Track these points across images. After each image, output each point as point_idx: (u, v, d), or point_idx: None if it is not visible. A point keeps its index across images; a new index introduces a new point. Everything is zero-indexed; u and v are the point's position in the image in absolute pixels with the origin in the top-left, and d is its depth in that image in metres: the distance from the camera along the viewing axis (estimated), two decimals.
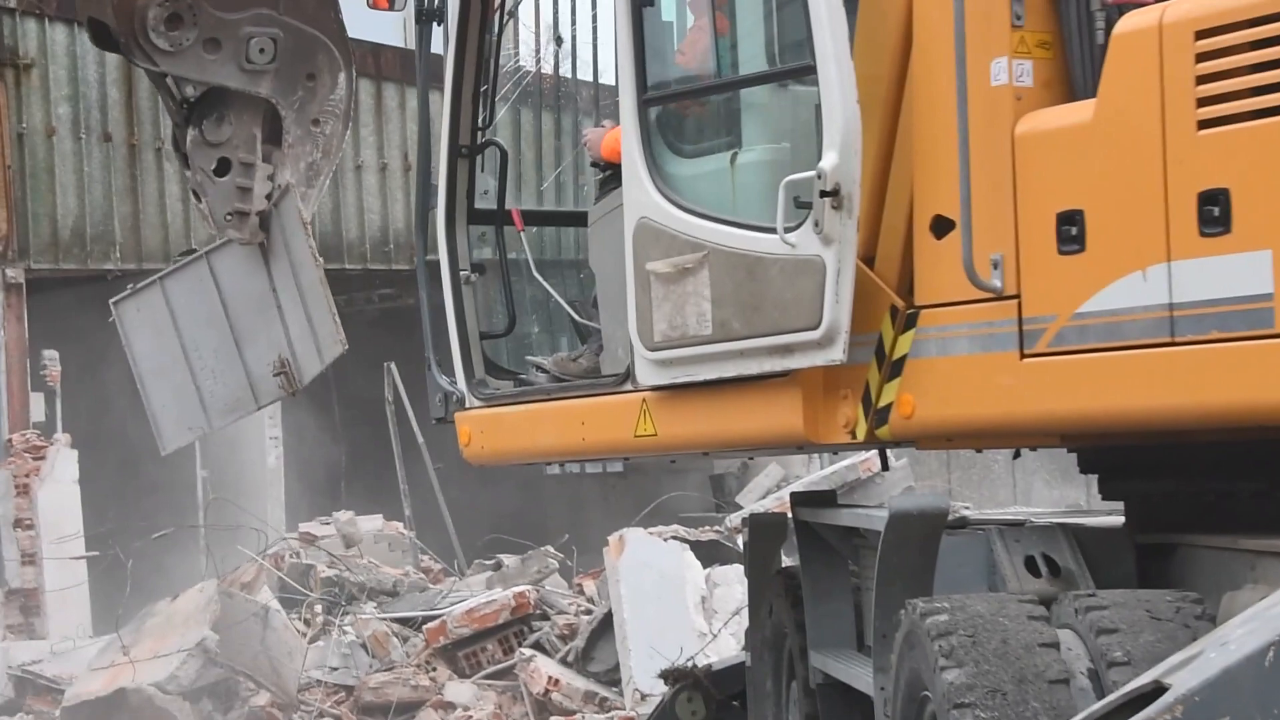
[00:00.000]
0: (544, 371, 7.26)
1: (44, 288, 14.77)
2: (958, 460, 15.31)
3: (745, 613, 7.94)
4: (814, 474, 14.04)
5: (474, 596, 11.83)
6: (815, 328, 5.70)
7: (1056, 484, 14.72)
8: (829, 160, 5.61)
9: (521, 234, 7.63)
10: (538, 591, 11.58)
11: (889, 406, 5.78)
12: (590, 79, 14.67)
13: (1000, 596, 5.49)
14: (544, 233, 8.20)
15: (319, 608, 12.24)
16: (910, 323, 5.73)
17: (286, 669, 11.42)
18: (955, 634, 5.14)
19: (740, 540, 9.68)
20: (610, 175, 7.03)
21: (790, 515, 7.27)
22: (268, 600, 11.91)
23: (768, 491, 14.47)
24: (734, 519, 12.74)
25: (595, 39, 9.20)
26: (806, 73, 5.80)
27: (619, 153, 6.79)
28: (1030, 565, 5.75)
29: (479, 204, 7.47)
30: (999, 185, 5.51)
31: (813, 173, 5.63)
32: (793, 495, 7.33)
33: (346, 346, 7.94)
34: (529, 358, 7.46)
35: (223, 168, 7.70)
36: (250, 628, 11.52)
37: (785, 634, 7.22)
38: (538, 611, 11.33)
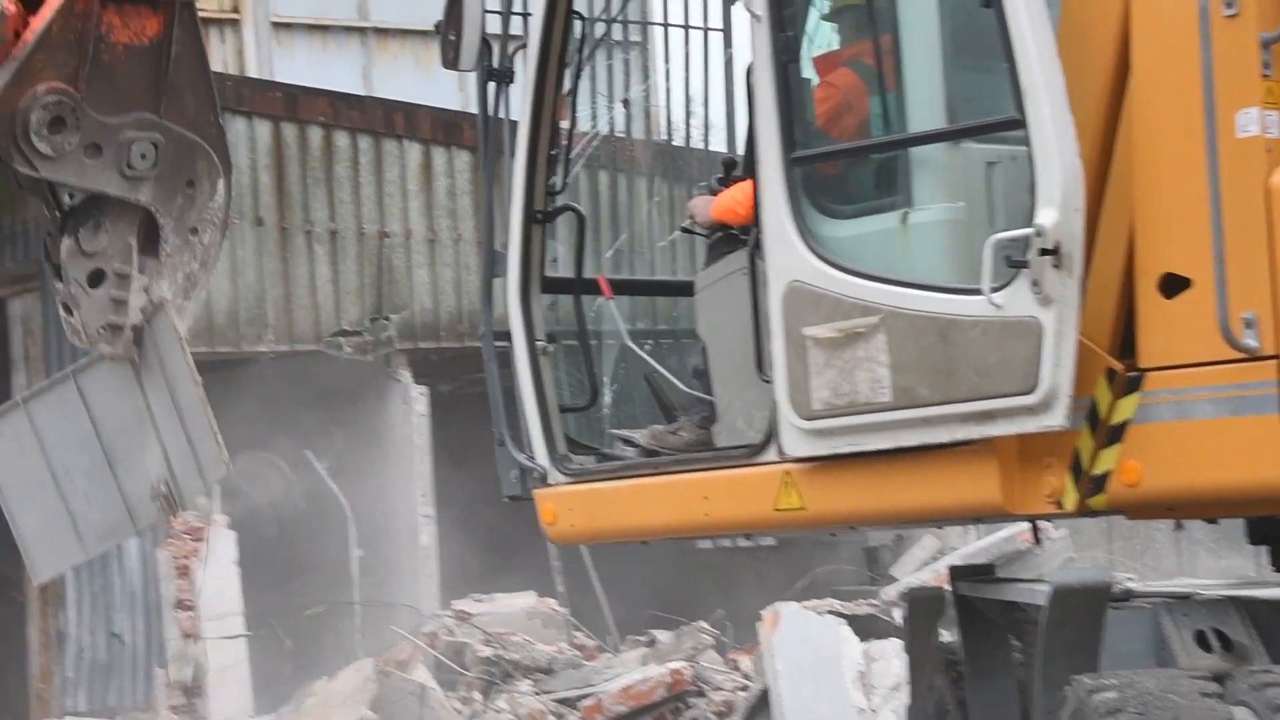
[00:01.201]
0: (633, 445, 7.13)
1: (200, 371, 14.94)
2: (1119, 530, 15.08)
3: (905, 689, 7.81)
4: (970, 546, 13.88)
5: (629, 673, 11.80)
6: (1028, 393, 5.52)
7: (1223, 554, 14.44)
8: (1048, 217, 5.46)
9: (611, 303, 7.53)
10: (693, 668, 11.53)
11: (1106, 475, 5.61)
12: (657, 140, 14.75)
13: (1171, 673, 5.37)
14: (595, 301, 7.99)
15: (475, 686, 12.26)
16: (1133, 386, 5.57)
17: None
18: (1124, 712, 5.05)
19: (897, 614, 9.58)
20: (720, 240, 6.96)
21: (949, 589, 7.15)
22: (424, 679, 11.96)
23: (923, 564, 14.32)
24: (890, 592, 12.61)
25: (670, 99, 9.12)
26: (1012, 126, 5.66)
27: (734, 216, 6.71)
28: (1201, 640, 5.62)
29: (547, 272, 7.33)
30: (1251, 241, 5.35)
31: (1028, 230, 5.49)
32: (951, 569, 7.21)
33: (230, 466, 7.64)
34: (614, 431, 7.33)
35: (96, 279, 7.39)
36: (408, 707, 11.58)
37: (947, 711, 7.10)
38: (693, 688, 11.28)
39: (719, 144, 13.36)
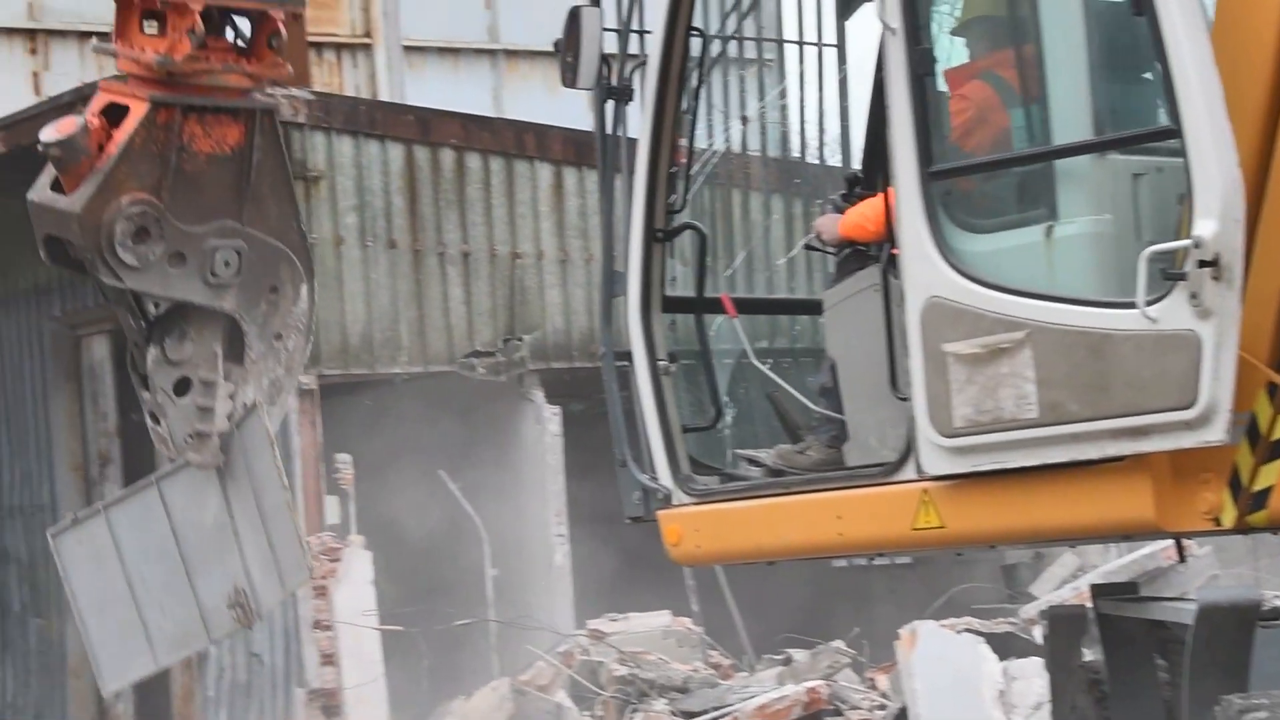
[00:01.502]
0: (758, 465, 7.06)
1: (335, 393, 15.11)
2: (1265, 546, 14.82)
3: (1046, 708, 7.71)
4: (1111, 563, 13.70)
5: (765, 692, 11.75)
6: (1186, 407, 5.44)
7: None
8: (1207, 228, 5.38)
9: (735, 322, 7.47)
10: (830, 686, 11.47)
11: (1267, 491, 5.52)
12: (776, 157, 14.65)
13: None
14: (715, 320, 7.90)
15: (610, 705, 12.26)
16: None
17: None
18: None
19: (1037, 633, 9.46)
20: (849, 257, 6.90)
21: (1090, 607, 7.05)
22: (560, 698, 11.98)
23: (1063, 582, 14.15)
24: (1029, 610, 12.47)
25: (786, 116, 9.04)
26: (1167, 136, 5.58)
27: (863, 232, 6.64)
28: None
29: (666, 291, 7.27)
30: None
31: (1185, 242, 5.41)
32: (1093, 587, 7.11)
33: (312, 574, 7.55)
34: (738, 451, 7.28)
35: (182, 387, 7.38)
36: None
37: None
38: (830, 707, 11.22)
39: (835, 160, 13.33)
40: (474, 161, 15.33)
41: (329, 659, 14.12)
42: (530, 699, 11.80)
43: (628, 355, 7.26)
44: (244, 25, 7.26)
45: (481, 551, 14.86)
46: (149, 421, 7.46)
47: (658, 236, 7.20)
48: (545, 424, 15.15)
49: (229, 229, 7.24)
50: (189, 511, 7.86)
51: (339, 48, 19.69)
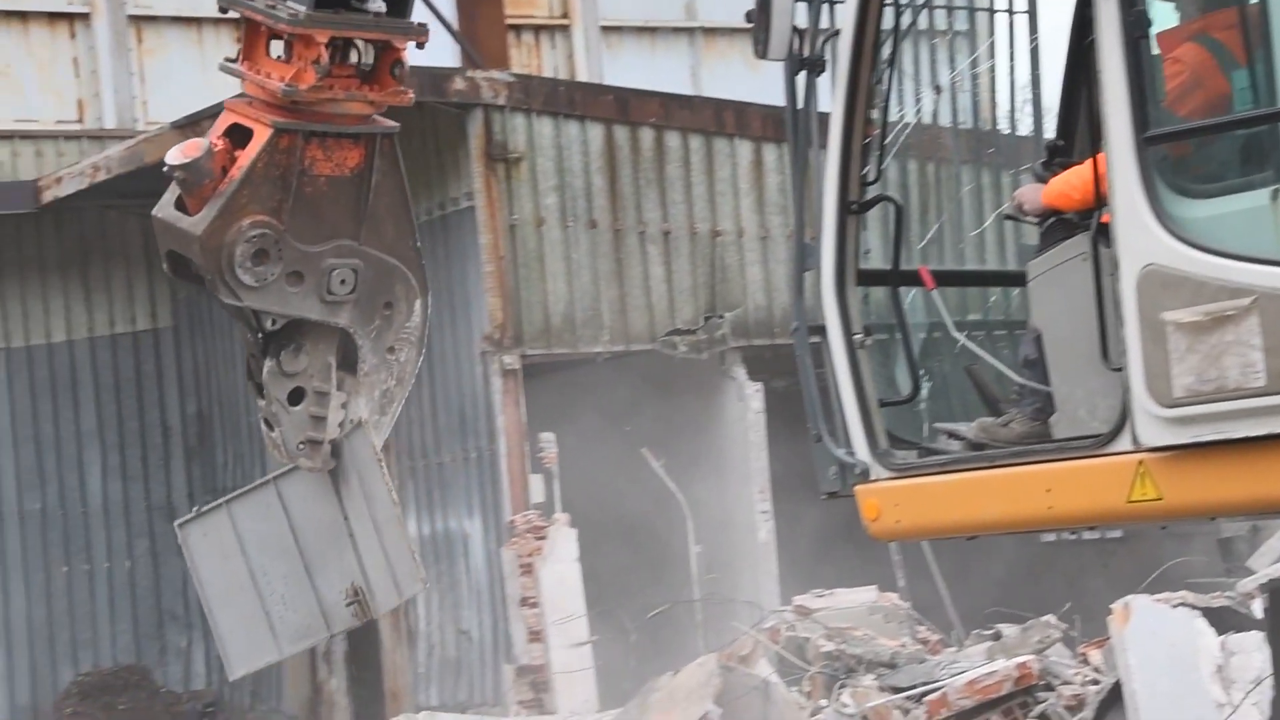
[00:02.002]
0: (959, 439, 6.98)
1: (538, 372, 15.25)
2: None
3: (1268, 683, 7.57)
4: None
5: (975, 667, 11.65)
6: None
7: None
8: None
9: (935, 295, 7.38)
10: (1041, 662, 11.34)
11: None
12: (967, 127, 14.43)
13: None
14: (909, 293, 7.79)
15: (817, 680, 12.24)
16: None
17: None
18: None
19: (1256, 607, 9.29)
20: (1053, 226, 6.79)
21: None
22: (767, 674, 11.98)
23: None
24: (1247, 584, 12.24)
25: (977, 85, 8.92)
26: None
27: (1068, 201, 6.53)
28: None
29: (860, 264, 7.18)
30: None
31: None
32: None
33: (426, 584, 7.73)
34: (938, 425, 7.19)
35: (296, 397, 7.48)
36: (751, 702, 11.60)
37: None
38: (1042, 683, 11.09)
39: (1028, 129, 13.15)
40: (673, 140, 15.37)
41: (536, 636, 14.27)
42: (737, 675, 11.80)
43: (821, 329, 7.23)
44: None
45: (685, 529, 14.92)
46: (264, 427, 7.63)
47: (852, 209, 7.14)
48: (747, 401, 15.17)
49: (346, 248, 7.33)
50: (306, 510, 8.05)
51: (537, 29, 19.84)
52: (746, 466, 15.16)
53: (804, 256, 7.33)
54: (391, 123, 7.31)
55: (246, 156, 7.10)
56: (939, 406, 7.57)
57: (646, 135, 15.27)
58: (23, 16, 18.56)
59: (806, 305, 7.42)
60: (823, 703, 12.15)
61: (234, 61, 7.31)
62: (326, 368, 7.47)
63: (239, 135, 7.20)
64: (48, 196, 17.18)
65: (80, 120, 18.78)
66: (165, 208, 7.21)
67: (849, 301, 7.10)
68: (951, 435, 7.05)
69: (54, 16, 18.64)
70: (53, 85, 18.68)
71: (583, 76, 19.33)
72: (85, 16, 18.65)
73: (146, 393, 18.26)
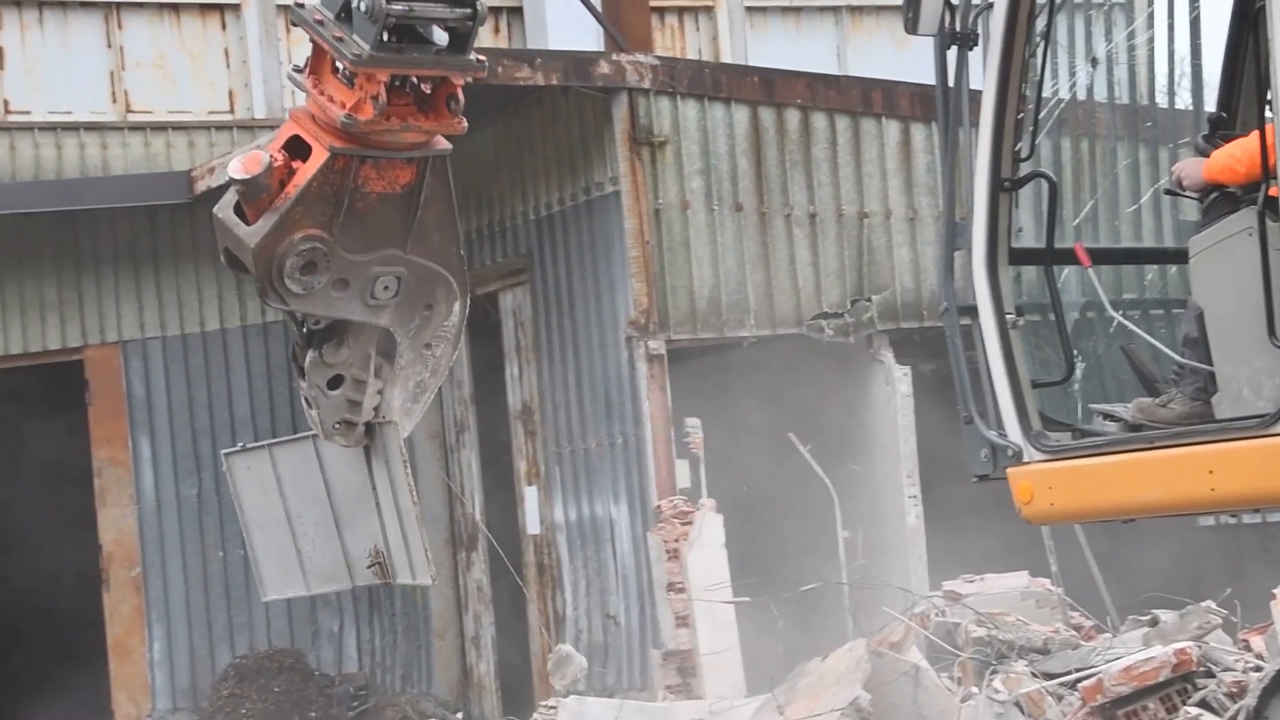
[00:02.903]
0: (1115, 420, 6.84)
1: (683, 357, 15.22)
2: None
3: None
4: None
5: (1131, 653, 11.46)
6: None
7: None
8: None
9: (1092, 273, 7.24)
10: (1200, 648, 11.13)
11: None
12: (1124, 101, 14.15)
13: None
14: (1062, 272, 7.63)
15: (968, 666, 12.11)
16: None
17: None
18: None
19: None
20: (1217, 200, 6.64)
21: None
22: (917, 659, 11.87)
23: None
24: None
25: (1134, 58, 8.73)
26: None
27: (1232, 175, 6.38)
28: None
29: (1014, 243, 7.12)
30: None
31: None
32: None
33: (435, 580, 8.17)
34: (1093, 406, 7.05)
35: (335, 382, 7.87)
36: (901, 687, 11.49)
37: None
38: (1201, 669, 10.88)
39: (1186, 103, 12.90)
40: (820, 121, 15.26)
41: (684, 621, 14.24)
42: (886, 660, 11.69)
43: (972, 310, 7.13)
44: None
45: (832, 513, 14.82)
46: (304, 404, 8.00)
47: (1004, 186, 7.05)
48: (895, 385, 15.03)
49: (392, 257, 7.53)
50: (340, 471, 8.55)
51: (681, 11, 19.78)
52: (895, 450, 15.02)
53: (954, 236, 7.24)
54: (445, 144, 7.51)
55: (303, 176, 7.34)
56: (1093, 387, 7.49)
57: (792, 116, 15.16)
58: (175, 9, 18.82)
59: (956, 286, 7.34)
60: (974, 689, 12.02)
61: (301, 72, 7.52)
62: (365, 358, 7.78)
63: (297, 146, 7.43)
64: (201, 186, 17.41)
65: (231, 110, 19.02)
66: (225, 209, 7.47)
67: (1001, 281, 7.02)
68: (1108, 417, 6.94)
69: (205, 8, 18.89)
70: (204, 76, 18.93)
71: (727, 58, 19.24)
72: (235, 7, 18.87)
73: (297, 380, 18.41)
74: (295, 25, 7.49)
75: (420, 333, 7.80)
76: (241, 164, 7.35)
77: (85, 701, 18.58)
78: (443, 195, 7.64)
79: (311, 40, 7.40)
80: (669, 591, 14.22)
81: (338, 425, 7.96)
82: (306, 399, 7.99)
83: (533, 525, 16.03)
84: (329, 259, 7.45)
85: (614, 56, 14.89)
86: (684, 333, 14.79)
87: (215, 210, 7.50)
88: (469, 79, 7.33)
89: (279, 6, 18.71)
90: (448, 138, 7.50)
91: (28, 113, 18.59)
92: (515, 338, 16.23)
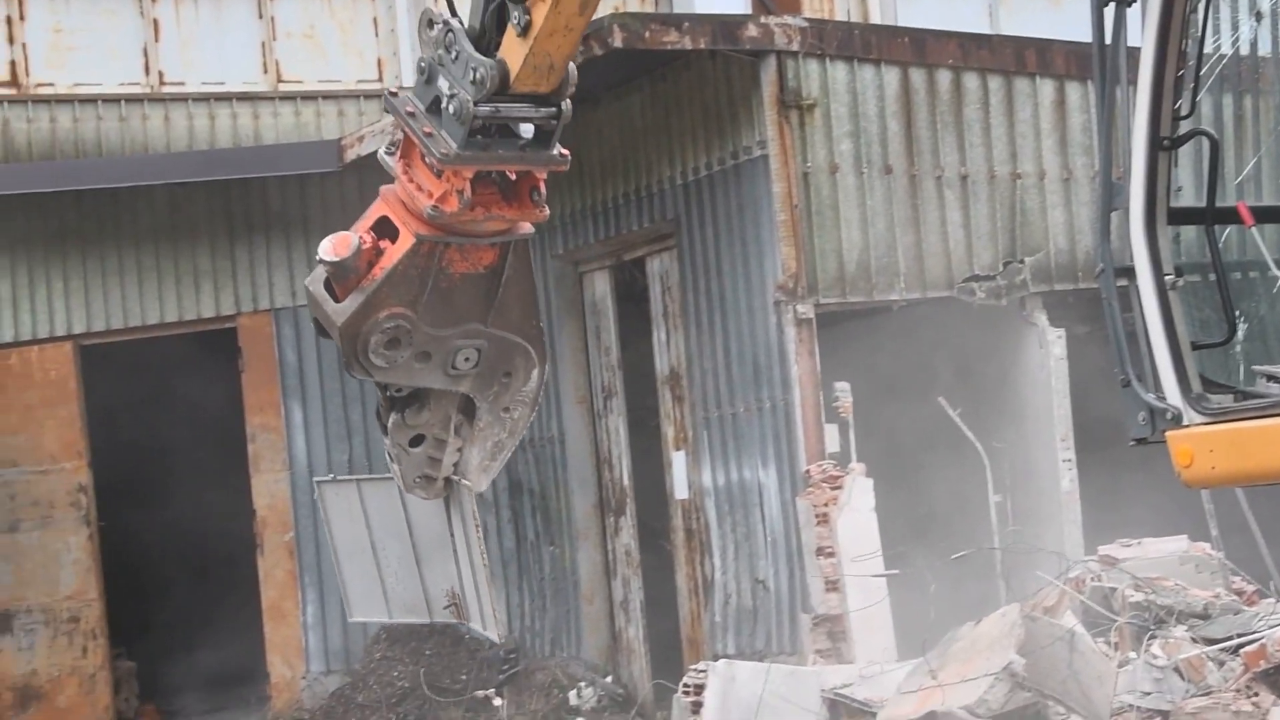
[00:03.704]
0: (1278, 381, 6.71)
1: (832, 321, 15.14)
2: None
3: None
4: None
5: None
6: None
7: None
8: None
9: (1253, 231, 7.10)
10: None
11: None
12: None
13: None
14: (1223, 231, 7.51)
15: (1125, 631, 11.96)
16: None
17: (1097, 693, 11.20)
18: None
19: None
20: None
21: None
22: (1072, 624, 11.73)
23: None
24: None
25: None
26: None
27: None
28: None
29: (1173, 203, 7.00)
30: None
31: None
32: None
33: (503, 638, 7.85)
34: (1256, 368, 6.92)
35: (417, 440, 8.17)
36: (1056, 652, 11.37)
37: None
38: None
39: None
40: (971, 81, 15.10)
41: (833, 586, 14.18)
42: (1041, 625, 11.57)
43: (1129, 271, 7.03)
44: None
45: (984, 478, 14.69)
46: (387, 458, 8.37)
47: (1163, 145, 6.93)
48: (1049, 348, 14.86)
49: (473, 331, 7.80)
50: (422, 514, 9.03)
51: None
52: (1048, 414, 14.85)
53: (1111, 196, 7.15)
54: (528, 228, 7.77)
55: (389, 259, 7.61)
56: (1255, 349, 7.36)
57: (944, 77, 15.02)
58: None
59: (1113, 247, 7.24)
60: (1131, 654, 11.88)
61: (392, 154, 7.84)
62: (446, 419, 8.13)
63: (386, 225, 7.71)
64: (350, 155, 17.57)
65: (380, 79, 19.18)
66: (316, 283, 7.81)
67: (1159, 241, 6.92)
68: (1271, 378, 6.83)
69: None
70: (354, 45, 19.10)
71: (876, 19, 19.11)
72: None
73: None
74: (387, 112, 7.85)
75: (499, 398, 8.09)
76: (331, 246, 7.64)
77: (240, 663, 18.88)
78: (524, 272, 7.91)
79: (401, 130, 7.70)
80: (818, 556, 14.17)
81: (418, 480, 8.29)
82: (388, 454, 8.31)
83: (680, 490, 16.03)
84: (412, 334, 7.72)
85: (762, 19, 14.81)
86: (833, 297, 14.70)
87: (306, 283, 7.80)
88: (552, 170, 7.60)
89: None
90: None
91: (182, 84, 18.87)
92: (663, 303, 16.22)
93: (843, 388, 14.53)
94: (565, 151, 7.71)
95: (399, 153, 7.86)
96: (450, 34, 7.59)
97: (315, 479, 10.15)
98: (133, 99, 18.79)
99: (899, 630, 13.83)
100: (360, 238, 7.61)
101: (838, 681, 12.64)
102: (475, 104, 7.32)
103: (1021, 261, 15.04)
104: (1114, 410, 7.40)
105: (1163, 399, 6.87)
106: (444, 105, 7.56)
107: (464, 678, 17.20)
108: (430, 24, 7.72)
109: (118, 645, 19.37)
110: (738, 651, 14.74)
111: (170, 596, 21.04)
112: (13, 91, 18.66)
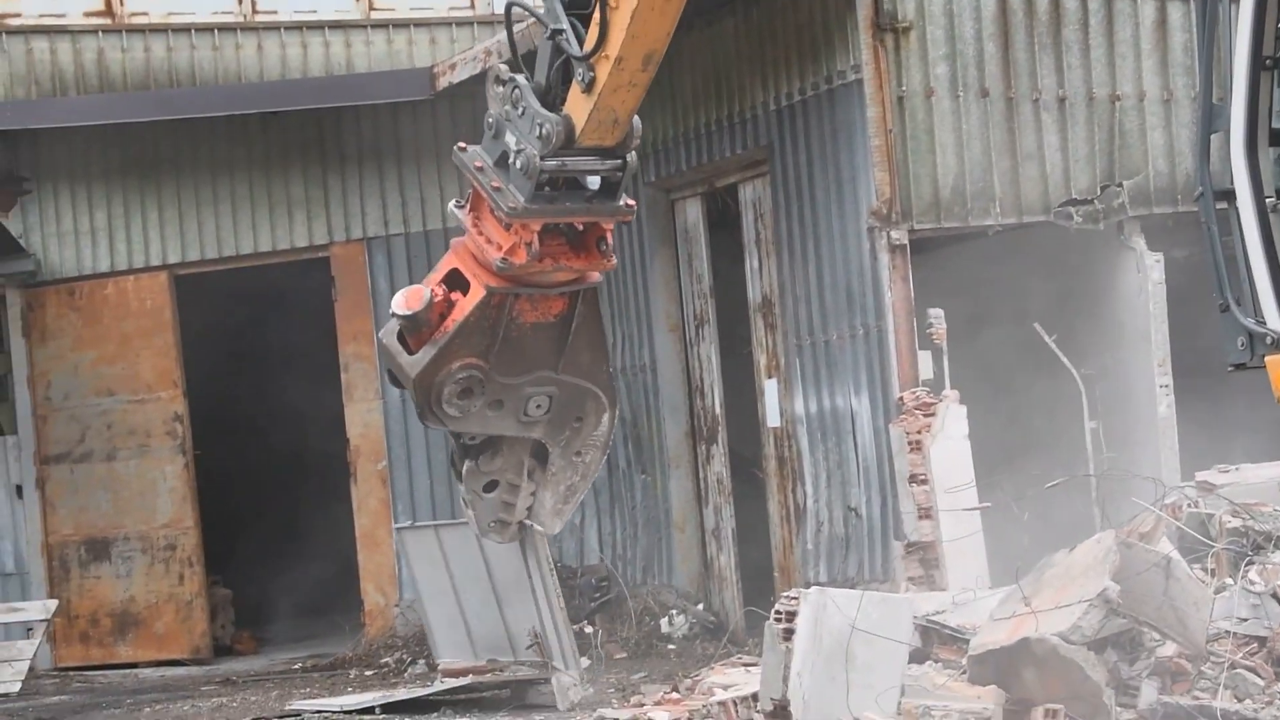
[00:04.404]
0: None
1: (926, 247, 15.00)
2: None
3: None
4: None
5: None
6: None
7: None
8: None
9: None
10: None
11: None
12: None
13: None
14: None
15: (1222, 558, 11.80)
16: None
17: (1193, 620, 11.05)
18: None
19: None
20: None
21: None
22: (1168, 551, 11.57)
23: None
24: None
25: None
26: None
27: None
28: None
29: (1275, 124, 6.85)
30: None
31: None
32: None
33: (583, 680, 9.32)
34: None
35: (491, 486, 8.38)
36: (1152, 578, 11.22)
37: None
38: None
39: None
40: (1070, 1, 14.87)
41: (926, 513, 14.09)
42: (1136, 551, 11.41)
43: (1229, 194, 6.90)
44: None
45: (1079, 405, 14.53)
46: (462, 504, 8.61)
47: (1266, 64, 6.79)
48: (1147, 272, 14.65)
49: (544, 378, 8.11)
50: (500, 555, 9.14)
51: None
52: (1146, 339, 14.66)
53: (1211, 118, 7.04)
54: (596, 277, 8.04)
55: (461, 311, 7.89)
56: None
57: None
58: None
59: (1213, 169, 7.11)
60: (1228, 580, 11.73)
61: (462, 208, 8.07)
62: (519, 464, 8.37)
63: (457, 278, 8.00)
64: (442, 83, 17.55)
65: (472, 7, 19.12)
66: (389, 335, 8.10)
67: (1260, 164, 6.82)
68: None
69: None
70: None
71: None
72: None
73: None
74: (456, 166, 7.98)
75: (571, 442, 8.32)
76: (404, 300, 7.91)
77: (334, 591, 19.02)
78: (593, 319, 8.15)
79: (470, 184, 7.92)
80: (911, 484, 14.07)
81: (493, 524, 8.51)
82: (464, 500, 8.55)
83: (773, 418, 15.97)
84: (484, 384, 7.98)
85: None
86: (927, 222, 14.56)
87: (380, 335, 8.09)
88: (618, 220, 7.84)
89: None
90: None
91: (274, 13, 18.91)
92: (755, 230, 16.12)
93: (937, 314, 14.39)
94: (631, 202, 8.00)
95: (468, 205, 8.11)
96: (517, 90, 7.87)
97: (395, 526, 10.66)
98: (226, 28, 18.85)
99: (992, 557, 13.73)
100: (431, 291, 7.88)
101: (930, 609, 12.54)
102: (542, 159, 7.69)
103: (1120, 185, 14.81)
104: (1212, 335, 7.29)
105: (1262, 323, 6.81)
106: (511, 160, 7.81)
107: None
108: (499, 81, 7.97)
109: (214, 573, 19.58)
110: (829, 579, 14.69)
111: (265, 525, 21.22)
112: (107, 21, 18.76)
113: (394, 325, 8.14)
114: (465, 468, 8.44)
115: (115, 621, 19.17)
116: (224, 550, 20.19)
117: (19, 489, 19.22)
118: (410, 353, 7.97)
